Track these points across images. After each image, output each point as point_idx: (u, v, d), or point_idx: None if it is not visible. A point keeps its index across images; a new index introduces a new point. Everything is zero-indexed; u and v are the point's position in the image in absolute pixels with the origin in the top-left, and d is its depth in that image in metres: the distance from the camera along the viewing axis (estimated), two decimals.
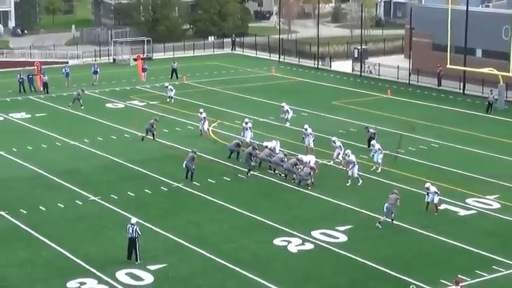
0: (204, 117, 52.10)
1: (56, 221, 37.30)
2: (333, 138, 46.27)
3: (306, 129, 48.46)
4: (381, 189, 41.14)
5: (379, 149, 44.63)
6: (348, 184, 41.81)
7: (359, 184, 41.79)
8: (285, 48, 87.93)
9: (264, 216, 37.46)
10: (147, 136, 50.98)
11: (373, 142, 46.09)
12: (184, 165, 42.95)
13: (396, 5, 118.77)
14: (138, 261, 32.24)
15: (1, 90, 68.94)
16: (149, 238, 34.90)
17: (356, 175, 42.10)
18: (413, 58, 74.14)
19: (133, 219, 33.03)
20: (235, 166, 45.20)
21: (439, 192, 38.13)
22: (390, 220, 36.30)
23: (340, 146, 45.53)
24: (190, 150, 44.14)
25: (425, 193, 38.39)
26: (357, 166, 42.29)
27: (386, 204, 36.34)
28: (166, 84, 65.83)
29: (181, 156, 46.67)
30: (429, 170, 44.62)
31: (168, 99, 63.81)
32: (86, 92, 64.93)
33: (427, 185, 38.49)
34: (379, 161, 44.50)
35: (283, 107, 55.57)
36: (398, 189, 38.98)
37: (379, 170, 44.25)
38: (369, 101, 64.58)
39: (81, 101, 61.73)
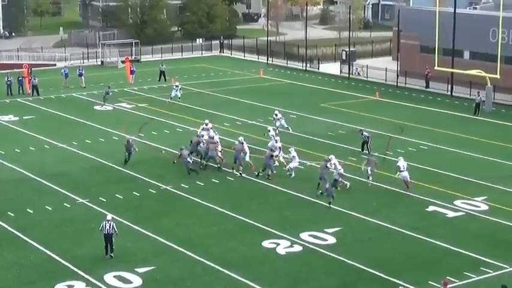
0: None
1: (44, 223, 37.20)
2: (290, 149, 44.80)
3: (276, 115, 52.35)
4: (369, 191, 41.22)
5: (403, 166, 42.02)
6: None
7: (347, 188, 41.72)
8: (273, 51, 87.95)
9: (253, 219, 37.46)
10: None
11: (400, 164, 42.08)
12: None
13: (384, 7, 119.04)
14: (112, 255, 32.78)
15: None
16: (138, 240, 34.91)
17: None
18: (401, 60, 74.31)
19: (109, 216, 33.55)
20: (224, 169, 45.14)
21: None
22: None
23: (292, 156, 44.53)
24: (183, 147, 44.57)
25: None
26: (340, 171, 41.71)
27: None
28: (177, 83, 65.68)
29: (170, 158, 46.72)
30: (418, 172, 44.67)
31: (172, 98, 63.84)
32: (101, 93, 64.80)
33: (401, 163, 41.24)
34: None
35: (276, 115, 53.97)
36: (387, 192, 39.13)
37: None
38: (357, 103, 64.67)
39: (106, 97, 63.19)
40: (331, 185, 40.03)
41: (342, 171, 41.49)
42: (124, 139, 48.00)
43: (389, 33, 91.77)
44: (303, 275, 31.47)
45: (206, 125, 49.30)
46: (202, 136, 46.52)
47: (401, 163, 41.64)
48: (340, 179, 41.33)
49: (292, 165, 43.66)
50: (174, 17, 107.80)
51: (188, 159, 44.24)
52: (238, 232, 36.11)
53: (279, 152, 45.25)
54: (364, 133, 48.88)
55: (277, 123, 53.00)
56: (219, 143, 45.96)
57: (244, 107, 63.10)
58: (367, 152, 48.01)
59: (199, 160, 45.66)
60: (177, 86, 64.80)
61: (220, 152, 45.74)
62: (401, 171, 41.47)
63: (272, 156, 43.75)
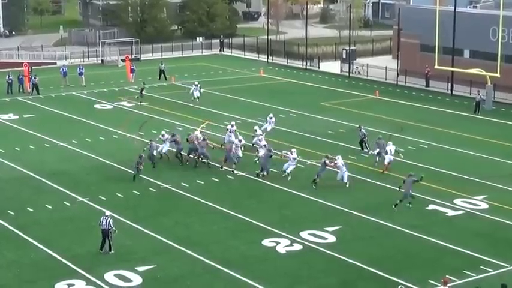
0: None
1: (44, 222, 37.22)
2: (292, 150, 44.53)
3: (271, 118, 52.61)
4: (369, 189, 41.23)
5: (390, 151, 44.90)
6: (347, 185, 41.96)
7: (347, 185, 41.80)
8: (273, 49, 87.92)
9: (253, 217, 37.47)
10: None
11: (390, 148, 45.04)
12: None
13: (384, 5, 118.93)
14: (111, 251, 32.94)
15: None
16: (138, 239, 34.92)
17: (346, 180, 41.92)
18: (401, 59, 74.26)
19: (107, 212, 33.79)
20: (224, 167, 45.15)
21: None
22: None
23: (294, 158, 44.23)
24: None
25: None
26: (346, 171, 42.01)
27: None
28: (196, 82, 65.66)
29: (169, 157, 46.68)
30: (418, 171, 44.61)
31: (192, 98, 63.76)
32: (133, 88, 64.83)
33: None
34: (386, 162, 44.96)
35: (271, 118, 53.46)
36: (387, 190, 39.09)
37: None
38: (357, 102, 64.66)
39: (142, 94, 64.10)
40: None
41: (346, 174, 41.67)
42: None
43: (390, 32, 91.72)
44: (303, 274, 31.47)
45: (232, 126, 49.34)
46: (240, 141, 46.41)
47: (391, 147, 44.68)
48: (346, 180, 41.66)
49: (289, 169, 43.29)
50: (174, 16, 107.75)
51: (154, 152, 45.01)
52: (238, 231, 36.11)
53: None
54: (362, 130, 48.99)
55: (268, 126, 52.60)
56: (238, 147, 45.97)
57: (244, 105, 63.10)
58: (366, 150, 48.12)
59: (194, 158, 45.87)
60: (196, 85, 64.66)
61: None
62: (389, 154, 44.52)
63: (271, 156, 43.62)
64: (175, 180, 42.92)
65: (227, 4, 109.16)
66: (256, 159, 45.56)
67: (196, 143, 46.04)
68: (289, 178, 43.01)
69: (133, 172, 43.26)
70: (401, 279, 30.58)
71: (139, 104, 62.91)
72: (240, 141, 46.57)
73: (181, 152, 46.14)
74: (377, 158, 45.57)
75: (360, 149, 48.63)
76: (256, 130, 48.89)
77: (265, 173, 43.47)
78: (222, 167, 44.89)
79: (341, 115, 58.74)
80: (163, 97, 65.46)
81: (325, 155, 42.83)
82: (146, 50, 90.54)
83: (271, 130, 52.53)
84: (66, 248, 33.87)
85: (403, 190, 38.81)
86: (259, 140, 46.69)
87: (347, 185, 41.68)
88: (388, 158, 44.71)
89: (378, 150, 45.64)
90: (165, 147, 46.84)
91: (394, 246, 34.27)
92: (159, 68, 75.04)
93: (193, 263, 32.57)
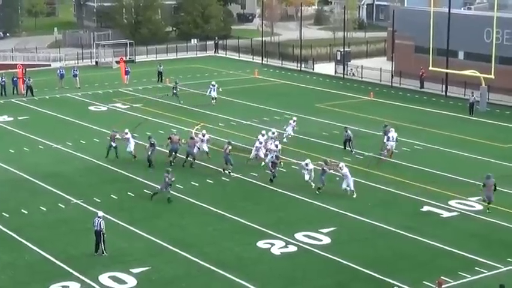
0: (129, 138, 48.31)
1: (39, 224, 37.16)
2: (307, 161, 42.69)
3: (294, 121, 51.92)
4: (364, 191, 41.22)
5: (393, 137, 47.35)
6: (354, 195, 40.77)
7: (354, 196, 40.59)
8: (267, 51, 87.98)
9: (248, 219, 37.46)
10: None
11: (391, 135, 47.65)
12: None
13: (379, 7, 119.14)
14: (104, 253, 32.90)
15: None
16: (132, 241, 34.88)
17: (352, 188, 40.63)
18: (395, 60, 74.37)
19: (100, 213, 33.67)
20: (219, 169, 45.13)
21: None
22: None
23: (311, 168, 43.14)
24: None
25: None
26: (351, 179, 40.72)
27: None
28: (213, 82, 65.46)
29: (163, 159, 46.65)
30: (412, 172, 44.77)
31: (211, 100, 63.57)
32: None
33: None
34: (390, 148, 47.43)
35: (294, 121, 52.55)
36: (382, 192, 39.01)
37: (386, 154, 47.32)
38: (351, 104, 64.70)
39: (176, 92, 64.51)
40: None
41: (351, 181, 40.74)
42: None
43: (384, 34, 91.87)
44: (297, 275, 31.48)
45: (273, 133, 48.42)
46: (277, 146, 45.57)
47: (392, 134, 47.24)
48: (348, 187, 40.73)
49: (310, 177, 41.72)
50: (169, 18, 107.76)
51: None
52: (233, 232, 36.10)
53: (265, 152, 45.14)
54: (348, 131, 49.13)
55: (288, 128, 51.94)
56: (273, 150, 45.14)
57: (239, 107, 63.09)
58: (350, 150, 48.29)
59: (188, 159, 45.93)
60: (213, 85, 64.37)
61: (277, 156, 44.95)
62: (391, 140, 46.99)
63: (276, 163, 43.15)
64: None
65: (222, 6, 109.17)
66: (263, 163, 45.16)
67: (198, 140, 46.29)
68: (313, 185, 41.68)
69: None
70: (395, 280, 30.61)
71: (180, 103, 63.28)
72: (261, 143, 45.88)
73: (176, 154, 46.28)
74: (385, 146, 47.65)
75: (343, 147, 49.01)
76: (274, 133, 48.25)
77: (272, 178, 42.94)
78: (224, 171, 44.55)
79: (335, 117, 58.77)
80: (158, 99, 65.37)
81: (323, 160, 42.38)
82: (141, 52, 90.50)
83: (290, 132, 51.97)
84: (60, 250, 33.83)
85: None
86: (270, 144, 45.65)
87: (354, 196, 40.43)
88: (389, 145, 47.18)
89: (385, 137, 47.94)
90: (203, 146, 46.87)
91: (389, 248, 34.29)
92: (157, 70, 74.98)
93: (188, 264, 32.55)
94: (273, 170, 42.95)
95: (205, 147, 46.92)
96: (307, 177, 41.70)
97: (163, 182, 39.77)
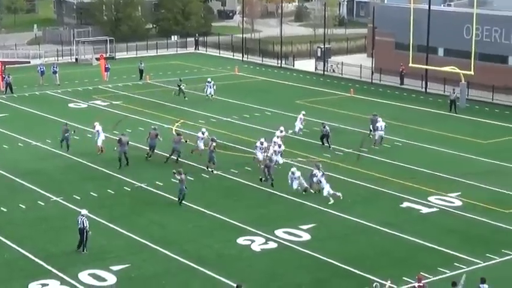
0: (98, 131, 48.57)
1: (18, 222, 36.98)
2: (293, 169, 41.38)
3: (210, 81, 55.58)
4: (344, 187, 41.24)
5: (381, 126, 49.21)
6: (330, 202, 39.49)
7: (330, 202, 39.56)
8: (248, 48, 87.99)
9: (228, 216, 37.44)
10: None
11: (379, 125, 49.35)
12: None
13: (359, 4, 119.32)
14: (84, 251, 32.79)
15: None
16: (112, 238, 34.79)
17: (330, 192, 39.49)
18: (376, 57, 74.54)
19: (84, 211, 33.52)
20: (200, 166, 45.09)
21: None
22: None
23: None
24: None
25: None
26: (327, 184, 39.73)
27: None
28: (209, 79, 65.65)
29: (144, 156, 46.58)
30: (392, 169, 44.89)
31: (207, 96, 64.03)
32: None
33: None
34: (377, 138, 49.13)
35: (304, 114, 52.65)
36: (362, 188, 39.00)
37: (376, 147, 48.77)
38: (332, 100, 64.79)
39: (182, 88, 64.77)
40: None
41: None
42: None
43: (364, 30, 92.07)
44: (277, 272, 31.49)
45: (281, 132, 47.74)
46: (281, 147, 45.32)
47: (380, 124, 49.17)
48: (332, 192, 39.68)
49: (328, 190, 39.55)
50: (149, 14, 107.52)
51: (126, 148, 45.21)
52: (213, 229, 36.07)
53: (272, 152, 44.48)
54: (326, 127, 49.24)
55: (298, 125, 51.83)
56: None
57: (219, 104, 63.03)
58: (327, 145, 48.34)
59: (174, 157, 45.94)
60: (209, 82, 64.76)
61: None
62: (379, 130, 48.92)
63: (270, 167, 42.19)
64: (149, 179, 42.81)
65: (202, 2, 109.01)
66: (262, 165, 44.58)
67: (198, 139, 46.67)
68: (332, 201, 39.90)
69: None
70: (376, 276, 30.65)
71: (184, 99, 63.63)
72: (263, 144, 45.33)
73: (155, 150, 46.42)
74: (372, 135, 49.84)
75: (320, 144, 49.03)
76: (282, 131, 47.71)
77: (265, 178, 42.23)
78: (208, 168, 44.51)
79: (316, 113, 58.74)
80: (138, 96, 65.20)
81: (316, 165, 41.18)
82: (121, 49, 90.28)
83: (299, 130, 51.86)
84: (40, 248, 33.69)
85: None
86: (274, 143, 45.18)
87: (331, 202, 39.14)
88: (377, 134, 49.17)
89: (371, 126, 50.20)
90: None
91: (369, 244, 34.36)
92: (138, 67, 74.73)
93: (168, 261, 32.50)
94: (270, 174, 42.03)
95: (201, 145, 46.83)
96: (295, 185, 40.70)
97: (180, 183, 39.07)
